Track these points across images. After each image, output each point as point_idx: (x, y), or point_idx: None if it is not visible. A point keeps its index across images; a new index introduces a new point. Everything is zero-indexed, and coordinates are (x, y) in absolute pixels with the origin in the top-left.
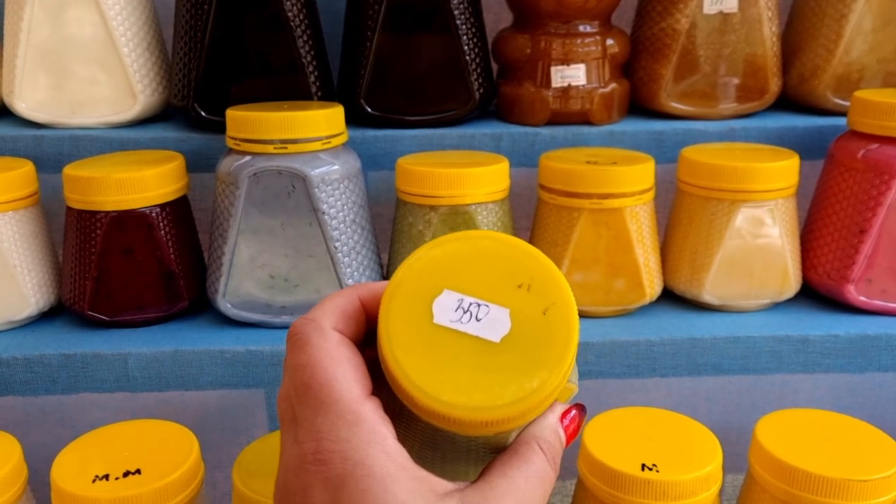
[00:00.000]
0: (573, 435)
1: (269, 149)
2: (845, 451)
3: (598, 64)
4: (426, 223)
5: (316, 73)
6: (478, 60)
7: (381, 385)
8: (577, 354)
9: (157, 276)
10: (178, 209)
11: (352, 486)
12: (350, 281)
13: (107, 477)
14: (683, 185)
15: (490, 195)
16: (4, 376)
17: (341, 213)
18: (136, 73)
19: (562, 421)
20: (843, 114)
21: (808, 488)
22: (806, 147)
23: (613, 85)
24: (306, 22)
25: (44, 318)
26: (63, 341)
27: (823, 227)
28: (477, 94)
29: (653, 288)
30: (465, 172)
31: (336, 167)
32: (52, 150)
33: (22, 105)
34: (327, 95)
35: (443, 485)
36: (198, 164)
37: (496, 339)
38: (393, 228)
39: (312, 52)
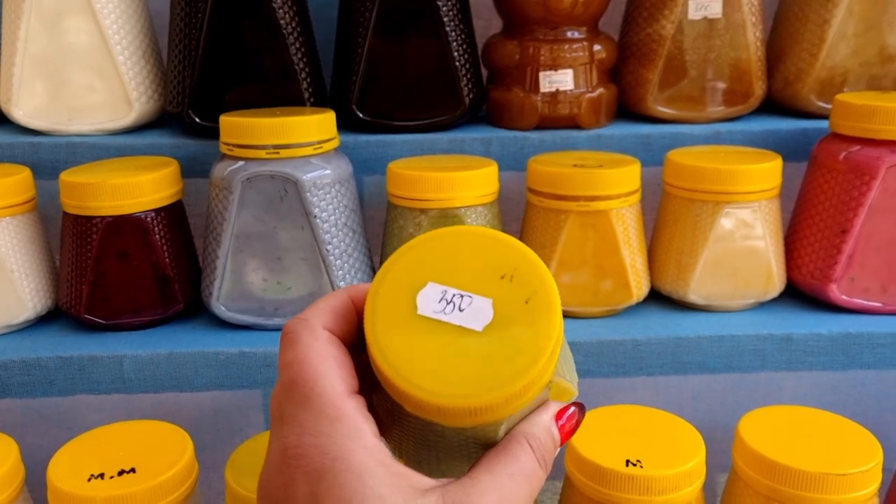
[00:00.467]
0: (569, 434)
1: (262, 154)
2: (826, 447)
3: (585, 69)
4: (416, 226)
5: (308, 80)
6: (467, 66)
7: (375, 386)
8: (569, 351)
9: (152, 280)
10: (173, 214)
11: (330, 480)
12: (342, 283)
13: (102, 476)
14: (669, 187)
15: (479, 198)
16: (2, 379)
17: (333, 217)
18: (131, 80)
19: (557, 420)
20: (826, 117)
21: (789, 483)
22: (790, 149)
23: (601, 90)
24: (299, 29)
25: (41, 321)
26: (60, 344)
27: (807, 227)
28: (467, 100)
29: (640, 288)
30: (455, 176)
31: (328, 172)
32: (49, 157)
33: (19, 112)
34: (320, 101)
35: (424, 481)
36: (193, 170)
37: (479, 328)
38: (384, 231)
39: (305, 59)
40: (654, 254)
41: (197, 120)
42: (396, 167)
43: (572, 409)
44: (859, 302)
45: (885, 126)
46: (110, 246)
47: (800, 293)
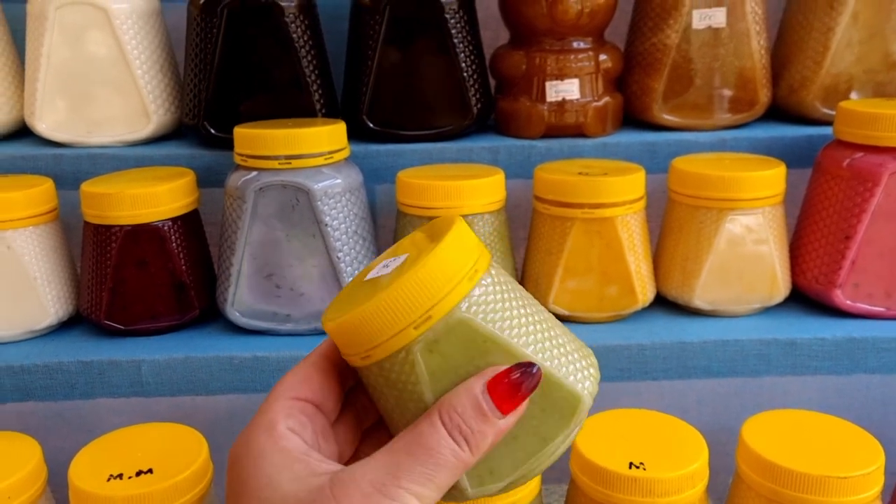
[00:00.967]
0: (509, 401)
1: (275, 164)
2: (828, 450)
3: (591, 78)
4: None
5: (320, 91)
6: (475, 77)
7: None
8: (553, 326)
9: (169, 287)
10: (190, 223)
11: (233, 462)
12: None
13: (121, 476)
14: (674, 194)
15: (486, 206)
16: (26, 382)
17: (343, 225)
18: (149, 93)
19: (493, 385)
20: (831, 123)
21: (792, 485)
22: (795, 156)
23: (607, 98)
24: (310, 42)
25: (63, 327)
26: (81, 349)
27: (811, 233)
28: (475, 109)
29: (645, 294)
30: (462, 185)
31: (338, 181)
32: (70, 168)
33: (42, 125)
34: (331, 112)
35: (324, 465)
36: (209, 180)
37: (388, 271)
38: (393, 239)
39: (316, 72)
40: (660, 260)
41: (212, 131)
42: (405, 176)
43: (515, 373)
44: (863, 307)
45: (889, 133)
46: (129, 254)
47: (804, 298)
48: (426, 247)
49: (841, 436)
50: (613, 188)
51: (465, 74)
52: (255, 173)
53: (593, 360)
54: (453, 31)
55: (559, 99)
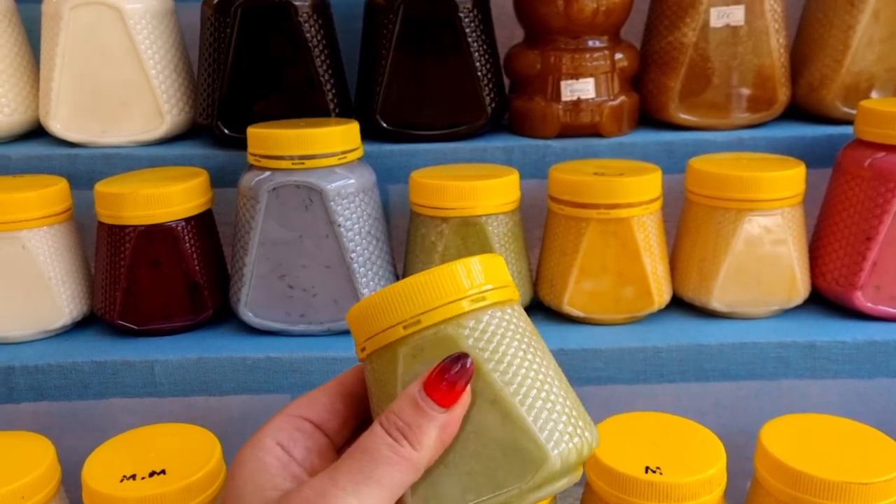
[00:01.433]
0: (452, 390)
1: (288, 164)
2: (849, 455)
3: (607, 77)
4: (438, 234)
5: (333, 91)
6: (489, 76)
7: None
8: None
9: (182, 287)
10: (203, 223)
11: (227, 476)
12: (366, 291)
13: (134, 477)
14: (691, 194)
15: (500, 206)
16: (40, 382)
17: (357, 226)
18: (163, 93)
19: (428, 383)
20: (851, 123)
21: (811, 491)
22: (815, 156)
23: (623, 98)
24: (324, 42)
25: (77, 327)
26: (94, 349)
27: (831, 234)
28: (489, 109)
29: (661, 295)
30: (476, 185)
31: (352, 181)
32: (85, 168)
33: (57, 125)
34: (344, 112)
35: (289, 483)
36: (222, 180)
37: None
38: (407, 239)
39: (330, 71)
40: (677, 261)
41: (226, 131)
42: (418, 176)
43: (447, 364)
44: (885, 309)
45: None
46: (142, 254)
47: (824, 300)
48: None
49: (862, 441)
50: (629, 188)
51: (479, 74)
52: (268, 173)
53: (587, 434)
54: (467, 31)
55: (574, 98)
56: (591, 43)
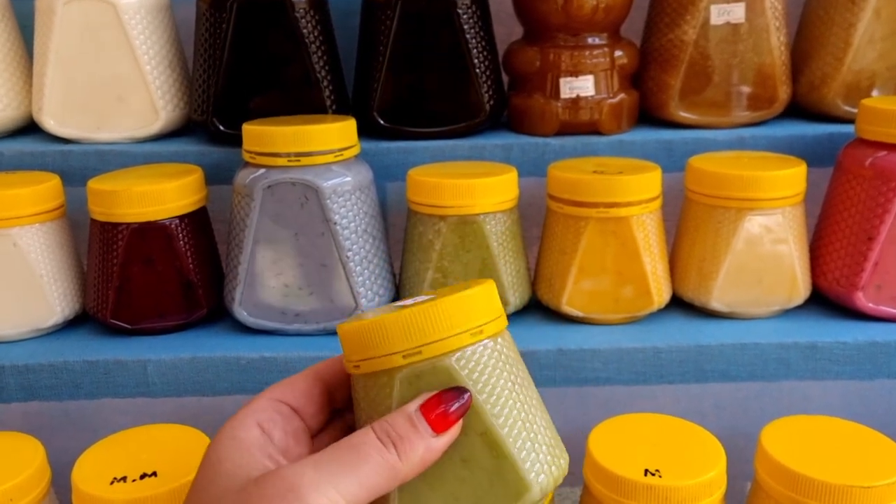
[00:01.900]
0: (446, 419)
1: (283, 161)
2: (850, 458)
3: (606, 75)
4: (436, 233)
5: (330, 88)
6: (488, 73)
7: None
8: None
9: (176, 286)
10: (197, 220)
11: (208, 446)
12: (362, 289)
13: (124, 479)
14: (691, 193)
15: (498, 205)
16: (31, 382)
17: (353, 224)
18: (158, 89)
19: (427, 405)
20: (852, 121)
21: (812, 495)
22: (815, 155)
23: (622, 95)
24: (321, 38)
25: (69, 325)
26: (86, 348)
27: (832, 233)
28: (487, 106)
29: (661, 295)
30: (474, 183)
31: (348, 179)
32: (78, 165)
33: (50, 121)
34: (342, 109)
35: (267, 462)
36: (217, 177)
37: (411, 303)
38: (404, 238)
39: (327, 68)
40: (676, 260)
41: (221, 128)
42: (416, 174)
43: (446, 395)
44: (886, 310)
45: None
46: (136, 252)
47: (825, 301)
48: (449, 293)
49: (864, 443)
50: (629, 187)
51: (477, 71)
52: (263, 171)
53: (562, 461)
54: (465, 27)
55: (573, 96)
56: (590, 40)
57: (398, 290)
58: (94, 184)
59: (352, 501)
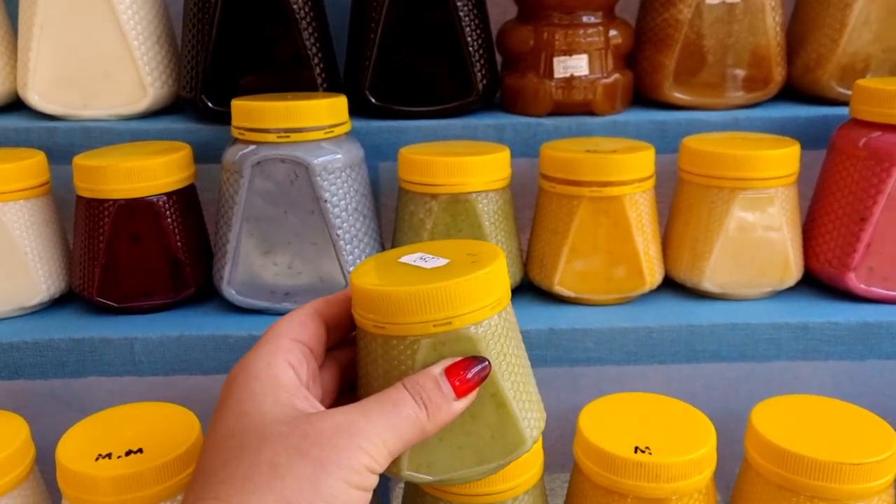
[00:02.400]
0: (466, 384)
1: (272, 138)
2: (840, 436)
3: (600, 54)
4: (427, 211)
5: (321, 66)
6: (481, 52)
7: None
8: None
9: (163, 264)
10: (185, 198)
11: (228, 382)
12: (352, 268)
13: (109, 456)
14: (684, 173)
15: (490, 183)
16: (15, 360)
17: (343, 202)
18: (145, 65)
19: (451, 369)
20: (847, 103)
21: (802, 472)
22: (809, 136)
23: (616, 75)
24: (312, 14)
25: (55, 304)
26: (72, 326)
27: (825, 215)
28: (480, 86)
29: (653, 276)
30: (466, 161)
31: (339, 156)
32: (64, 141)
33: (35, 97)
34: (333, 87)
35: (306, 403)
36: (206, 155)
37: (428, 267)
38: (395, 217)
39: (318, 45)
40: (669, 241)
41: (210, 105)
42: (407, 152)
43: (469, 363)
44: (878, 291)
45: None
46: (122, 229)
47: (817, 282)
48: (465, 262)
49: (854, 422)
50: (622, 166)
51: (470, 49)
52: (252, 147)
53: (544, 414)
54: (459, 4)
55: (567, 75)
56: (585, 19)
57: None
58: (81, 160)
59: (391, 451)
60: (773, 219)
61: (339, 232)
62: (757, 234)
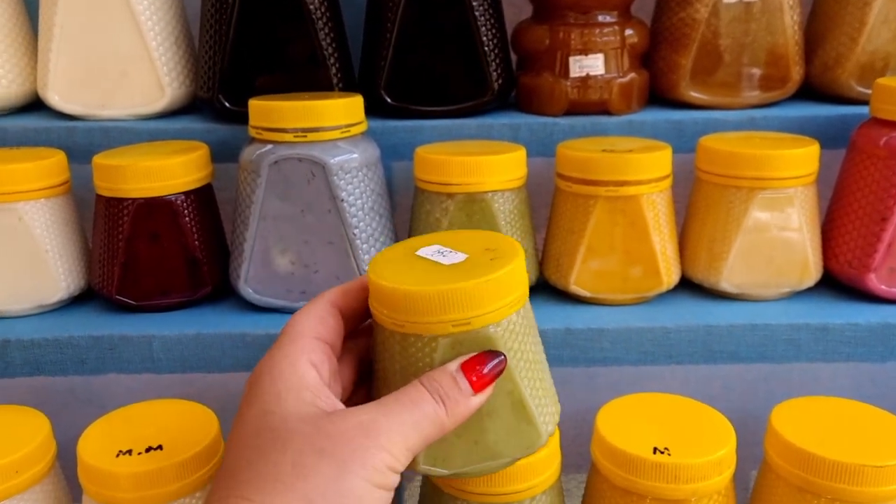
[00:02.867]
0: (483, 379)
1: (290, 137)
2: (861, 438)
3: (616, 54)
4: (443, 211)
5: (337, 65)
6: (497, 52)
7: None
8: (539, 366)
9: (181, 262)
10: (203, 197)
11: (251, 381)
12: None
13: (130, 452)
14: (701, 173)
15: (506, 183)
16: (36, 357)
17: (360, 201)
18: (163, 66)
19: (466, 364)
20: (866, 103)
21: (823, 474)
22: (828, 136)
23: (632, 75)
24: (328, 15)
25: (74, 302)
26: (91, 324)
27: (844, 215)
28: (496, 85)
29: (670, 276)
30: (482, 160)
31: (355, 155)
32: (83, 141)
33: (55, 97)
34: (348, 87)
35: (328, 402)
36: (223, 155)
37: (447, 263)
38: (411, 217)
39: (334, 45)
40: (686, 241)
41: (227, 105)
42: (423, 151)
43: (485, 358)
44: None
45: None
46: (141, 227)
47: (837, 283)
48: (484, 258)
49: (875, 424)
50: (639, 165)
51: (485, 49)
52: (269, 146)
53: (559, 408)
54: (475, 4)
55: (583, 75)
56: (601, 18)
57: None
58: (100, 159)
59: (411, 450)
60: (791, 219)
61: (356, 231)
62: (775, 234)
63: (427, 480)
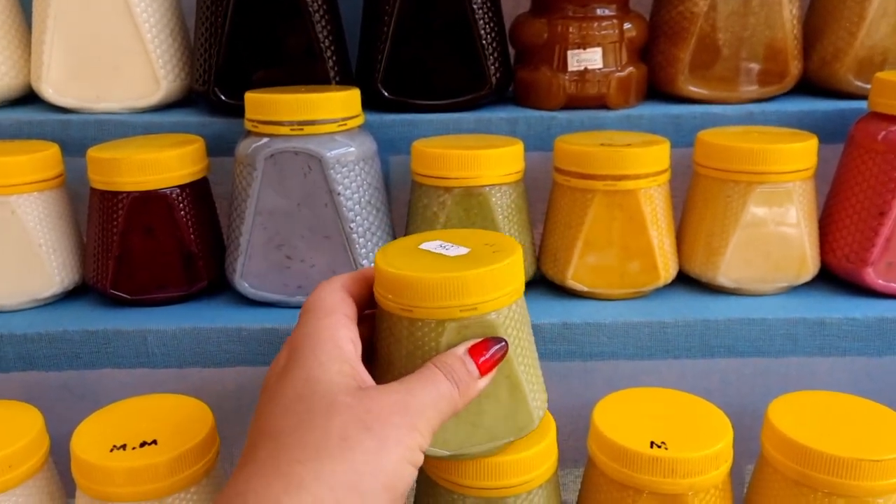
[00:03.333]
0: (487, 363)
1: (286, 130)
2: (858, 432)
3: (615, 48)
4: (440, 205)
5: (334, 59)
6: (494, 45)
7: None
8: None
9: (176, 256)
10: (198, 190)
11: (296, 347)
12: (365, 262)
13: (124, 447)
14: (699, 167)
15: (504, 177)
16: (29, 351)
17: (356, 195)
18: (159, 59)
19: (474, 348)
20: (865, 97)
21: (820, 468)
22: (826, 130)
23: (630, 69)
24: (324, 8)
25: (68, 296)
26: (86, 318)
27: (842, 209)
28: (493, 79)
29: (667, 270)
30: (479, 154)
31: (352, 149)
32: (78, 134)
33: (49, 90)
34: (345, 80)
35: (362, 376)
36: (219, 148)
37: (451, 255)
38: (408, 211)
39: (330, 38)
40: (683, 236)
41: (223, 98)
42: (420, 145)
43: (489, 343)
44: None
45: None
46: (136, 221)
47: (834, 277)
48: (486, 251)
49: (872, 418)
50: (637, 159)
51: (483, 42)
52: (265, 139)
53: (546, 396)
54: None
55: (581, 68)
56: (599, 11)
57: None
58: (94, 152)
59: (433, 429)
60: (789, 213)
61: (353, 225)
62: (773, 228)
63: (422, 474)
